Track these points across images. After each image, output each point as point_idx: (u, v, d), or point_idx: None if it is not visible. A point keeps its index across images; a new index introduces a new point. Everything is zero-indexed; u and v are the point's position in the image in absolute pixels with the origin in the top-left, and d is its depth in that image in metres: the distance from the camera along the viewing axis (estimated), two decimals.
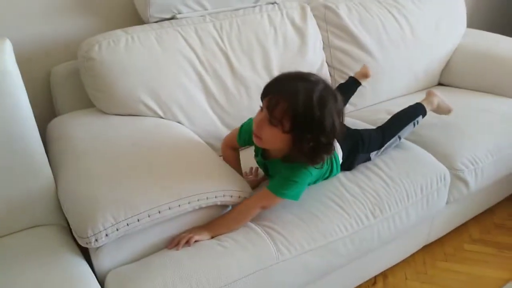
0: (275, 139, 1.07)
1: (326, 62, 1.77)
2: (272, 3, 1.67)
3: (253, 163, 1.36)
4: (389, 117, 1.51)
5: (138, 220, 0.99)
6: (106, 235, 0.97)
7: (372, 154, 1.39)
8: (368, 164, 1.39)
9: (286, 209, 1.19)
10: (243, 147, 1.34)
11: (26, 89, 1.06)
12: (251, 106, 1.51)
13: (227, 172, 1.19)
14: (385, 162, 1.39)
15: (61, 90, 1.46)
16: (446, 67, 2.04)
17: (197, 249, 1.06)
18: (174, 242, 1.07)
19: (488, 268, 1.59)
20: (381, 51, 1.81)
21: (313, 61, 1.70)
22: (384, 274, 1.55)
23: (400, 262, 1.56)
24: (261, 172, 1.37)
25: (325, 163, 1.22)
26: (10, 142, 1.04)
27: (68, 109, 1.44)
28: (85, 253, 1.06)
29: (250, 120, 1.18)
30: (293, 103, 1.01)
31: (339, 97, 1.08)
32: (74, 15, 1.49)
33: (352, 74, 1.69)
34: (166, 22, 1.49)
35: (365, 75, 1.61)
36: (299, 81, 1.05)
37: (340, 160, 1.30)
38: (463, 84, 1.98)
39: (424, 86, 2.00)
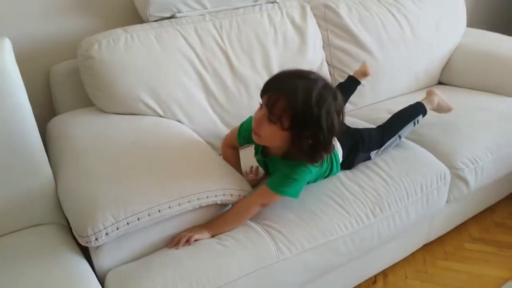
0: (274, 137, 1.07)
1: (326, 61, 1.77)
2: (272, 2, 1.67)
3: (253, 162, 1.36)
4: (389, 116, 1.51)
5: (138, 219, 0.99)
6: (106, 234, 0.96)
7: (372, 153, 1.39)
8: (368, 163, 1.39)
9: (286, 208, 1.19)
10: (243, 146, 1.34)
11: (26, 88, 1.06)
12: (251, 105, 1.51)
13: (227, 171, 1.19)
14: (385, 161, 1.39)
15: (61, 89, 1.46)
16: (446, 66, 2.04)
17: (197, 248, 1.05)
18: (174, 241, 1.07)
19: (488, 267, 1.59)
20: (381, 50, 1.81)
21: (313, 60, 1.70)
22: (384, 273, 1.55)
23: (400, 261, 1.56)
24: (261, 171, 1.37)
25: (325, 162, 1.22)
26: (10, 141, 1.04)
27: (68, 108, 1.44)
28: (85, 252, 1.06)
29: (250, 118, 1.18)
30: (292, 101, 1.01)
31: (339, 96, 1.07)
32: (74, 14, 1.49)
33: (352, 73, 1.68)
34: (166, 21, 1.49)
35: (365, 74, 1.61)
36: (298, 78, 1.05)
37: (340, 159, 1.30)
38: (463, 83, 1.98)
39: (424, 85, 2.00)
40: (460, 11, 2.07)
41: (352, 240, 1.22)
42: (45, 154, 1.12)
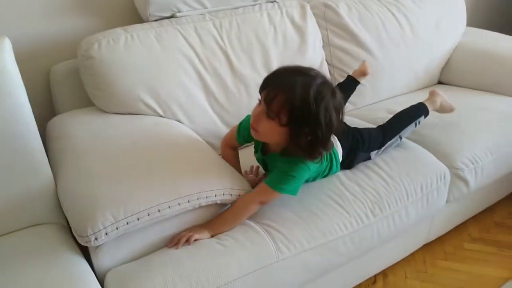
0: (272, 132, 1.07)
1: (326, 60, 1.77)
2: (272, 2, 1.67)
3: (253, 162, 1.36)
4: (389, 115, 1.51)
5: (138, 219, 0.99)
6: (106, 234, 0.96)
7: (373, 154, 1.39)
8: (368, 163, 1.39)
9: (285, 208, 1.19)
10: (242, 146, 1.34)
11: (26, 88, 1.06)
12: (250, 104, 1.50)
13: (226, 170, 1.19)
14: (385, 161, 1.39)
15: (61, 89, 1.46)
16: (446, 66, 2.04)
17: (197, 248, 1.05)
18: (174, 241, 1.07)
19: (488, 267, 1.59)
20: (381, 49, 1.81)
21: (313, 59, 1.70)
22: (384, 273, 1.55)
23: (400, 260, 1.56)
24: (261, 171, 1.37)
25: (325, 160, 1.22)
26: (10, 141, 1.04)
27: (67, 108, 1.44)
28: (85, 252, 1.06)
29: (248, 117, 1.18)
30: (291, 97, 1.01)
31: (338, 93, 1.07)
32: (74, 14, 1.49)
33: (351, 73, 1.68)
34: (166, 20, 1.49)
35: (364, 73, 1.61)
36: (297, 75, 1.05)
37: (340, 158, 1.30)
38: (463, 83, 1.98)
39: (424, 85, 2.00)
40: (460, 11, 2.06)
41: (352, 240, 1.22)
42: (45, 154, 1.12)
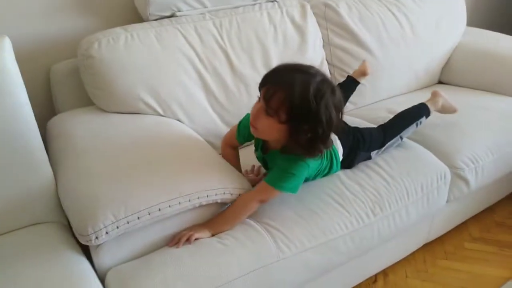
0: (271, 130, 1.07)
1: (326, 60, 1.77)
2: (272, 1, 1.67)
3: (253, 161, 1.35)
4: (389, 115, 1.51)
5: (138, 218, 0.99)
6: (107, 232, 0.96)
7: (373, 153, 1.38)
8: (368, 162, 1.38)
9: (286, 207, 1.19)
10: (242, 145, 1.33)
11: (26, 87, 1.06)
12: (250, 103, 1.48)
13: (227, 169, 1.19)
14: (386, 160, 1.39)
15: (61, 88, 1.46)
16: (446, 66, 2.04)
17: (198, 247, 1.05)
18: (175, 240, 1.07)
19: (488, 266, 1.59)
20: (381, 49, 1.81)
21: (313, 59, 1.69)
22: (384, 272, 1.55)
23: (401, 260, 1.56)
24: (262, 170, 1.37)
25: (325, 158, 1.22)
26: (10, 140, 1.04)
27: (68, 107, 1.44)
28: (86, 251, 1.06)
29: (248, 115, 1.18)
30: (290, 94, 1.01)
31: (338, 91, 1.07)
32: (74, 13, 1.49)
33: (351, 72, 1.68)
34: (166, 20, 1.48)
35: (363, 73, 1.61)
36: (297, 72, 1.05)
37: (341, 157, 1.30)
38: (463, 83, 1.98)
39: (424, 84, 2.00)
40: (460, 10, 2.06)
41: (352, 239, 1.22)
42: (45, 153, 1.12)
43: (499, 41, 2.01)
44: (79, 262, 1.01)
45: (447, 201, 1.48)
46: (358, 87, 1.65)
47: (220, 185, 1.11)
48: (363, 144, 1.34)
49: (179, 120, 1.44)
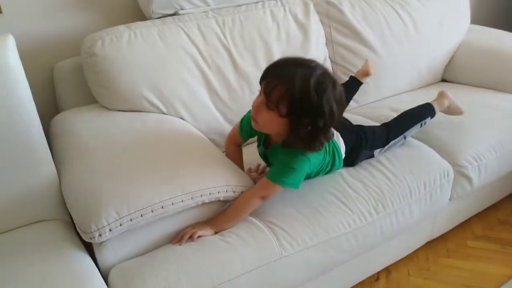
0: (271, 123, 1.07)
1: (329, 58, 1.76)
2: None
3: (256, 160, 1.36)
4: (392, 113, 1.51)
5: (142, 216, 1.00)
6: (110, 230, 0.97)
7: (376, 152, 1.38)
8: (371, 160, 1.38)
9: (288, 205, 1.19)
10: (246, 141, 1.33)
11: (30, 85, 1.06)
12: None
13: (230, 167, 1.19)
14: (388, 158, 1.39)
15: (65, 86, 1.47)
16: (450, 64, 2.03)
17: (200, 245, 1.06)
18: (178, 237, 1.07)
19: (491, 264, 1.58)
20: (384, 47, 1.81)
21: (316, 57, 1.67)
22: (387, 270, 1.55)
23: (403, 258, 1.56)
24: (267, 171, 1.37)
25: (327, 155, 1.22)
26: (14, 138, 1.04)
27: (71, 105, 1.45)
28: (89, 248, 1.06)
29: (250, 111, 1.18)
30: (290, 88, 1.01)
31: (339, 85, 1.07)
32: (78, 11, 1.49)
33: (355, 70, 1.68)
34: (169, 18, 1.49)
35: (366, 74, 1.60)
36: (297, 66, 1.05)
37: (343, 155, 1.30)
38: (466, 81, 1.97)
39: (427, 83, 2.00)
40: (463, 8, 2.06)
41: (355, 237, 1.22)
42: (49, 151, 1.12)
43: (503, 39, 2.01)
44: (82, 259, 1.01)
45: (450, 199, 1.48)
46: (361, 86, 1.65)
47: (222, 183, 1.11)
48: (365, 143, 1.34)
49: (182, 118, 1.44)
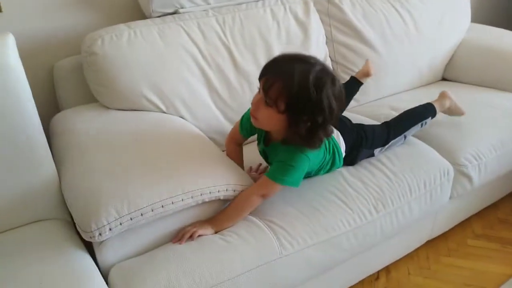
0: (270, 120, 1.07)
1: (329, 56, 1.76)
2: None
3: (257, 160, 1.35)
4: (392, 112, 1.50)
5: (142, 215, 1.00)
6: (110, 229, 0.97)
7: (376, 151, 1.38)
8: (371, 159, 1.38)
9: (288, 204, 1.19)
10: (247, 139, 1.33)
11: (30, 84, 1.06)
12: None
13: (230, 166, 1.19)
14: (388, 157, 1.39)
15: (65, 85, 1.46)
16: (450, 62, 2.03)
17: (200, 244, 1.06)
18: (178, 236, 1.07)
19: (491, 263, 1.58)
20: (385, 46, 1.81)
21: (316, 55, 1.67)
22: (387, 269, 1.55)
23: (403, 257, 1.56)
24: (267, 170, 1.37)
25: (327, 153, 1.22)
26: (14, 137, 1.04)
27: (71, 104, 1.45)
28: (89, 248, 1.06)
29: (249, 109, 1.18)
30: (288, 84, 1.01)
31: (338, 81, 1.06)
32: (78, 10, 1.49)
33: (355, 69, 1.68)
34: (169, 16, 1.48)
35: (367, 74, 1.59)
36: (296, 62, 1.05)
37: (343, 154, 1.29)
38: (467, 79, 1.97)
39: (428, 81, 2.00)
40: (464, 6, 2.05)
41: (355, 236, 1.22)
42: (49, 150, 1.12)
43: (503, 37, 2.00)
44: (82, 259, 1.01)
45: (450, 198, 1.48)
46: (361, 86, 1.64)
47: (222, 182, 1.11)
48: (365, 141, 1.34)
49: (182, 117, 1.44)
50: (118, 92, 1.36)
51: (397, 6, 1.85)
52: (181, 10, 1.51)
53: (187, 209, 1.08)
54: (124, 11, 1.56)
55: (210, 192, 1.08)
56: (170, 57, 1.41)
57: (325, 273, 1.26)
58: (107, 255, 1.02)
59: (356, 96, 1.72)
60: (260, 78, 1.08)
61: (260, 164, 1.39)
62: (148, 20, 1.45)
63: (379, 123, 1.46)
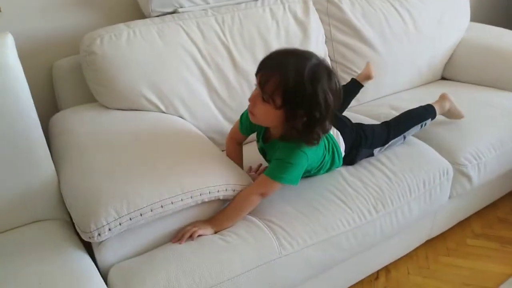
0: (268, 115, 1.07)
1: (329, 56, 1.76)
2: None
3: (257, 160, 1.35)
4: (392, 111, 1.50)
5: (141, 215, 0.99)
6: (109, 229, 0.97)
7: (376, 150, 1.38)
8: (370, 159, 1.38)
9: (288, 203, 1.19)
10: (247, 137, 1.33)
11: (29, 83, 1.05)
12: None
13: (229, 166, 1.19)
14: (388, 157, 1.39)
15: (63, 85, 1.46)
16: (449, 61, 2.03)
17: (200, 244, 1.06)
18: (178, 236, 1.07)
19: (490, 263, 1.58)
20: (384, 45, 1.80)
21: None
22: (386, 269, 1.55)
23: (403, 256, 1.56)
24: None
25: (327, 152, 1.22)
26: (13, 136, 1.04)
27: (70, 104, 1.44)
28: (88, 248, 1.06)
29: None
30: (284, 78, 1.01)
31: (334, 75, 1.06)
32: (76, 9, 1.49)
33: (354, 68, 1.68)
34: (168, 16, 1.48)
35: (368, 77, 1.59)
36: (292, 57, 1.05)
37: (343, 153, 1.29)
38: (466, 78, 1.97)
39: (427, 81, 1.99)
40: (463, 5, 2.05)
41: (355, 236, 1.22)
42: (48, 150, 1.12)
43: (503, 36, 2.00)
44: (81, 259, 1.01)
45: (450, 198, 1.48)
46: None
47: (222, 181, 1.11)
48: (365, 141, 1.34)
49: (181, 117, 1.44)
50: (117, 91, 1.36)
51: (397, 5, 1.85)
52: (180, 10, 1.51)
53: (187, 209, 1.08)
54: (123, 10, 1.56)
55: (209, 192, 1.08)
56: (169, 57, 1.41)
57: (325, 273, 1.26)
58: (106, 255, 1.02)
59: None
60: (256, 74, 1.09)
61: (261, 164, 1.38)
62: (147, 20, 1.45)
63: (378, 123, 1.46)
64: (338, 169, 1.33)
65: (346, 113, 1.52)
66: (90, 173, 1.09)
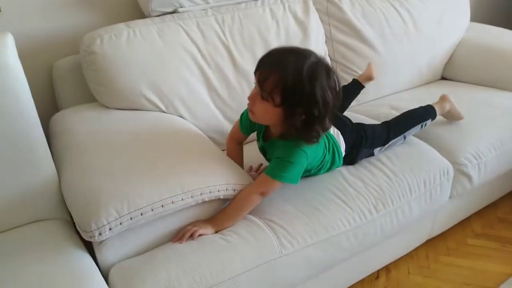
0: (267, 113, 1.07)
1: (329, 56, 1.76)
2: None
3: (257, 160, 1.35)
4: (392, 111, 1.50)
5: (142, 214, 0.99)
6: (110, 229, 0.97)
7: (376, 150, 1.38)
8: (371, 159, 1.38)
9: (288, 203, 1.19)
10: (247, 136, 1.32)
11: (29, 83, 1.05)
12: None
13: (229, 166, 1.19)
14: (388, 157, 1.39)
15: (64, 85, 1.46)
16: (449, 61, 2.03)
17: (201, 243, 1.06)
18: (178, 236, 1.07)
19: (491, 262, 1.58)
20: (384, 45, 1.80)
21: None
22: (387, 268, 1.55)
23: (403, 256, 1.56)
24: None
25: (327, 151, 1.22)
26: (13, 136, 1.04)
27: (70, 104, 1.44)
28: (89, 247, 1.06)
29: None
30: (283, 77, 1.01)
31: (333, 73, 1.06)
32: (76, 9, 1.49)
33: (354, 68, 1.67)
34: (168, 16, 1.48)
35: (369, 78, 1.59)
36: (290, 55, 1.05)
37: (343, 153, 1.29)
38: (466, 78, 1.97)
39: (427, 80, 2.00)
40: (463, 5, 2.05)
41: (355, 236, 1.22)
42: (48, 150, 1.12)
43: (503, 36, 2.00)
44: (82, 258, 1.01)
45: (450, 197, 1.48)
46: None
47: (222, 181, 1.11)
48: (365, 141, 1.34)
49: (181, 116, 1.44)
50: (117, 91, 1.36)
51: (397, 5, 1.85)
52: (180, 9, 1.51)
53: (187, 208, 1.07)
54: (123, 10, 1.56)
55: (210, 192, 1.08)
56: (169, 57, 1.41)
57: (325, 272, 1.26)
58: (107, 254, 1.02)
59: None
60: (255, 72, 1.09)
61: (261, 164, 1.38)
62: (147, 20, 1.45)
63: (379, 123, 1.46)
64: (339, 168, 1.33)
65: (346, 113, 1.52)
66: (90, 173, 1.09)
